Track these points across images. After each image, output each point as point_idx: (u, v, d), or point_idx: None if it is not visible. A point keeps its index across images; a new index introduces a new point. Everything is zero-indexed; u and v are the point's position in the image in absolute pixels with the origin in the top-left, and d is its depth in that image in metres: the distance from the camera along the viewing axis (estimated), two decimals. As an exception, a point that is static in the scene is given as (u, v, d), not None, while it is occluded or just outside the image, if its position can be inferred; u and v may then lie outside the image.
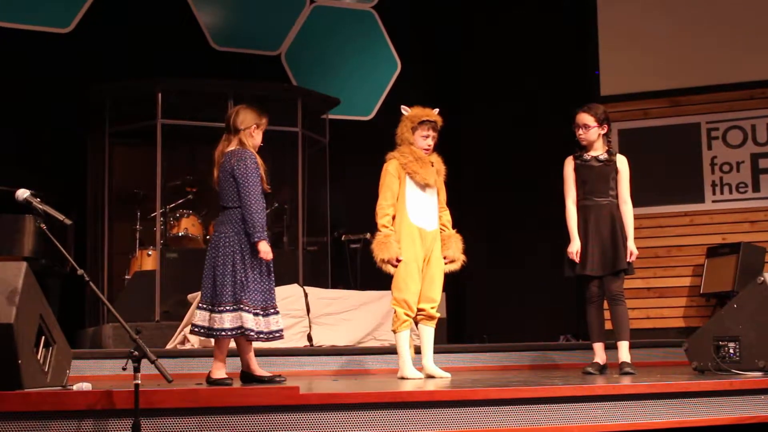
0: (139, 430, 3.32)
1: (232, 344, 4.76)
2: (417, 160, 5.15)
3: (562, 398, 3.94)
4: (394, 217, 5.15)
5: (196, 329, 4.67)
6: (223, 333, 4.59)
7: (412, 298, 5.07)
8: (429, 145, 5.20)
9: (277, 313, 4.75)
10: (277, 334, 4.74)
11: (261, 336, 4.66)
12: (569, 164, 5.62)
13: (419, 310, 5.13)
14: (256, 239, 4.62)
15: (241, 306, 4.59)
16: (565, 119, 5.93)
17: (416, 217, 5.15)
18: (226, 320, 4.58)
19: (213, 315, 4.61)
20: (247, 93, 8.06)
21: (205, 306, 4.67)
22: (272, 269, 4.78)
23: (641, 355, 6.38)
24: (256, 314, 4.63)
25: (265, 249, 4.64)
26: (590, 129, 5.55)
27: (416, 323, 5.19)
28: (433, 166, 5.22)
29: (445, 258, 5.22)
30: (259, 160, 4.76)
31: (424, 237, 5.14)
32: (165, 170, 8.05)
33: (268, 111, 4.97)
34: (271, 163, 7.53)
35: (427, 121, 5.17)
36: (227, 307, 4.59)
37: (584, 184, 5.55)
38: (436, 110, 5.27)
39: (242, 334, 4.61)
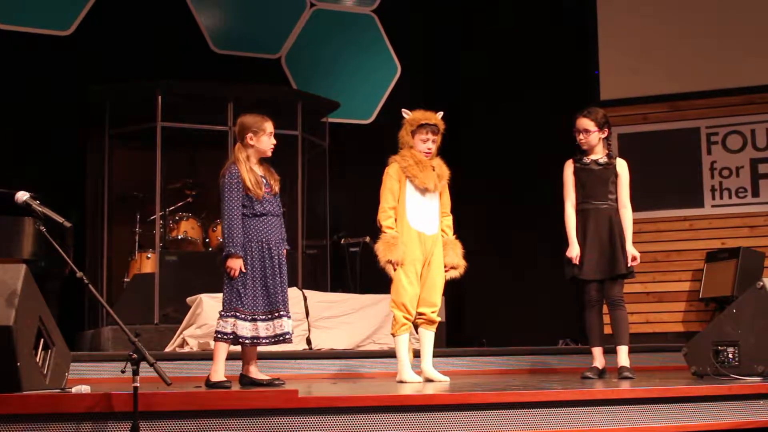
0: (138, 433, 3.33)
1: (233, 348, 4.78)
2: (417, 163, 5.13)
3: (560, 402, 3.94)
4: (395, 220, 5.14)
5: (218, 335, 4.71)
6: (220, 337, 4.67)
7: (410, 301, 5.06)
8: (429, 149, 5.17)
9: (282, 316, 4.77)
10: (281, 338, 4.76)
11: (262, 341, 4.70)
12: (569, 167, 5.61)
13: (420, 314, 5.12)
14: (225, 253, 4.71)
15: (236, 313, 4.65)
16: (564, 121, 5.92)
17: (416, 220, 5.13)
18: (227, 325, 4.66)
19: (236, 321, 4.69)
20: (246, 96, 8.08)
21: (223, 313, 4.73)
22: (278, 273, 4.81)
23: (640, 359, 6.37)
24: (254, 320, 4.67)
25: (231, 265, 4.67)
26: (591, 134, 5.54)
27: (416, 327, 5.18)
28: (434, 170, 5.20)
29: (444, 266, 5.20)
30: (243, 168, 4.74)
31: (424, 241, 5.13)
32: (165, 173, 8.05)
33: (268, 114, 4.97)
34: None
35: (427, 124, 5.15)
36: (228, 313, 4.68)
37: (583, 187, 5.53)
38: (440, 113, 5.23)
39: (237, 341, 4.67)
